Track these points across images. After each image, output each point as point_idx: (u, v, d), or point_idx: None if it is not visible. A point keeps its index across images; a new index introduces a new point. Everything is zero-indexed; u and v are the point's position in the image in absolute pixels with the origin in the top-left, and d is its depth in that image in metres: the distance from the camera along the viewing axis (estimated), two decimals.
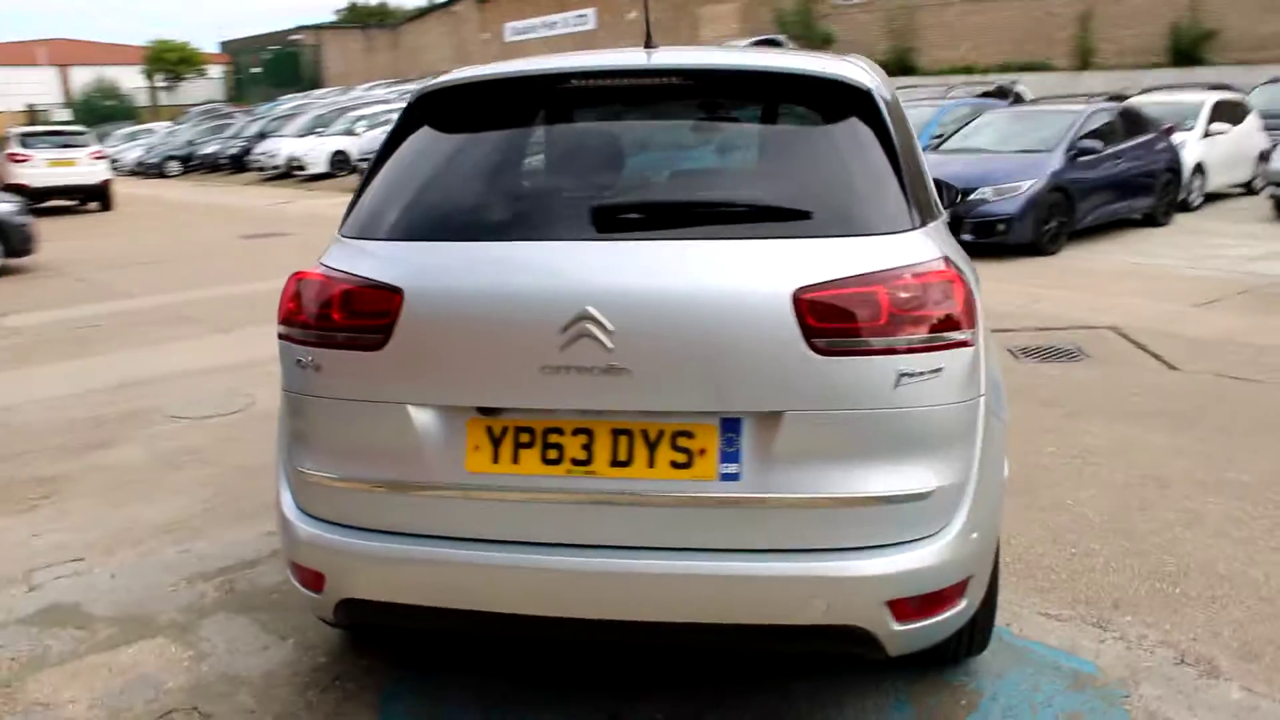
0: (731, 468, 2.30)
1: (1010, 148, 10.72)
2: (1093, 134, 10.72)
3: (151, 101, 52.75)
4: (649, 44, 2.94)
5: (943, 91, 17.53)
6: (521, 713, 2.83)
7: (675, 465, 2.32)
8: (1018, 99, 16.06)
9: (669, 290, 2.29)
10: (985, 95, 16.20)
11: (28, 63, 52.39)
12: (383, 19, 55.00)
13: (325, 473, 2.52)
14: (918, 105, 14.28)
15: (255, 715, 2.87)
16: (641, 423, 2.33)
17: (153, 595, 3.59)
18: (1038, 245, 9.99)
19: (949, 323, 2.32)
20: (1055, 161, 10.24)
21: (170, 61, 52.96)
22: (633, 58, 2.70)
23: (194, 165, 30.08)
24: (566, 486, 2.35)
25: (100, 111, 47.45)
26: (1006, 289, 8.39)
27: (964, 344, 2.35)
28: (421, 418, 2.42)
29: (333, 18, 60.64)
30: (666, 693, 2.86)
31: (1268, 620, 3.16)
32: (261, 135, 28.67)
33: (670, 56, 2.72)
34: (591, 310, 2.27)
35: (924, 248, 2.39)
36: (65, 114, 45.69)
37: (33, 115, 42.65)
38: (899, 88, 3.88)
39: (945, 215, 2.98)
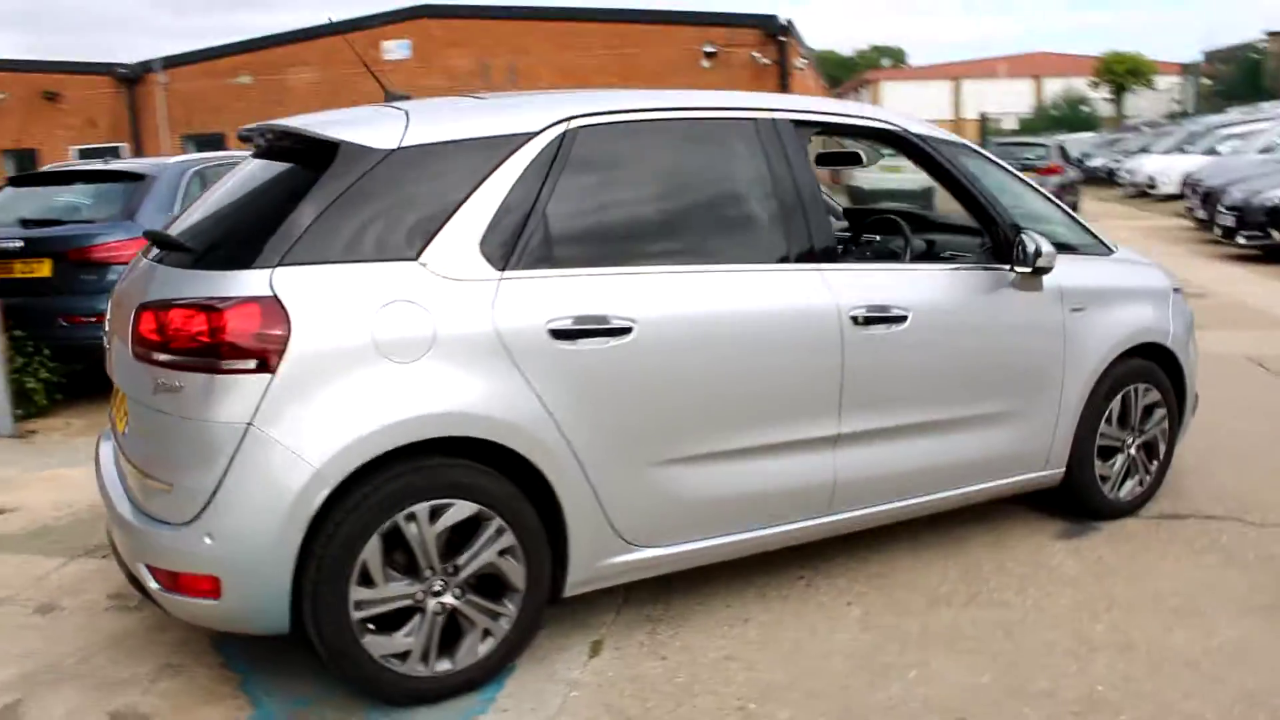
0: (128, 432, 3.04)
1: None
2: None
3: (1115, 112, 53.12)
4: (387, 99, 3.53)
5: None
6: None
7: (126, 423, 3.12)
8: None
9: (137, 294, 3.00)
10: None
11: (989, 75, 58.08)
12: None
13: None
14: None
15: None
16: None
17: None
18: None
19: (191, 348, 2.68)
20: None
21: (1118, 73, 52.70)
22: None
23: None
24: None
25: (1058, 120, 49.71)
26: None
27: (203, 368, 2.67)
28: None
29: None
30: None
31: None
32: (1143, 150, 27.51)
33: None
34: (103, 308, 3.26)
35: (225, 285, 2.72)
36: (1015, 123, 49.12)
37: (983, 123, 46.80)
38: None
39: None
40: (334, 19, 18.71)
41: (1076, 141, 35.82)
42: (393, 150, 2.92)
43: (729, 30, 22.16)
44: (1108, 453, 4.22)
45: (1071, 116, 53.00)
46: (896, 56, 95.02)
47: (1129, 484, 4.31)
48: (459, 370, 2.84)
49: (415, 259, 2.87)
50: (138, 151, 24.67)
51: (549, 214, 3.04)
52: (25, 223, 6.88)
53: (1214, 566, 3.82)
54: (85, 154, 22.34)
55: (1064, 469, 4.10)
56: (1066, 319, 3.96)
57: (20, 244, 6.58)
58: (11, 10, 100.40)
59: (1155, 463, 4.39)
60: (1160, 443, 4.38)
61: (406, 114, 3.04)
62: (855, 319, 3.43)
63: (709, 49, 21.94)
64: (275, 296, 2.70)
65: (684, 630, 3.39)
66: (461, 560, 2.91)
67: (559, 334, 2.96)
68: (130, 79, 26.09)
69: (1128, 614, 3.45)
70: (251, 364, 2.67)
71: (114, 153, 19.89)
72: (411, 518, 2.82)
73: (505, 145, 3.03)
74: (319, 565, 2.73)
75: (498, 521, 2.93)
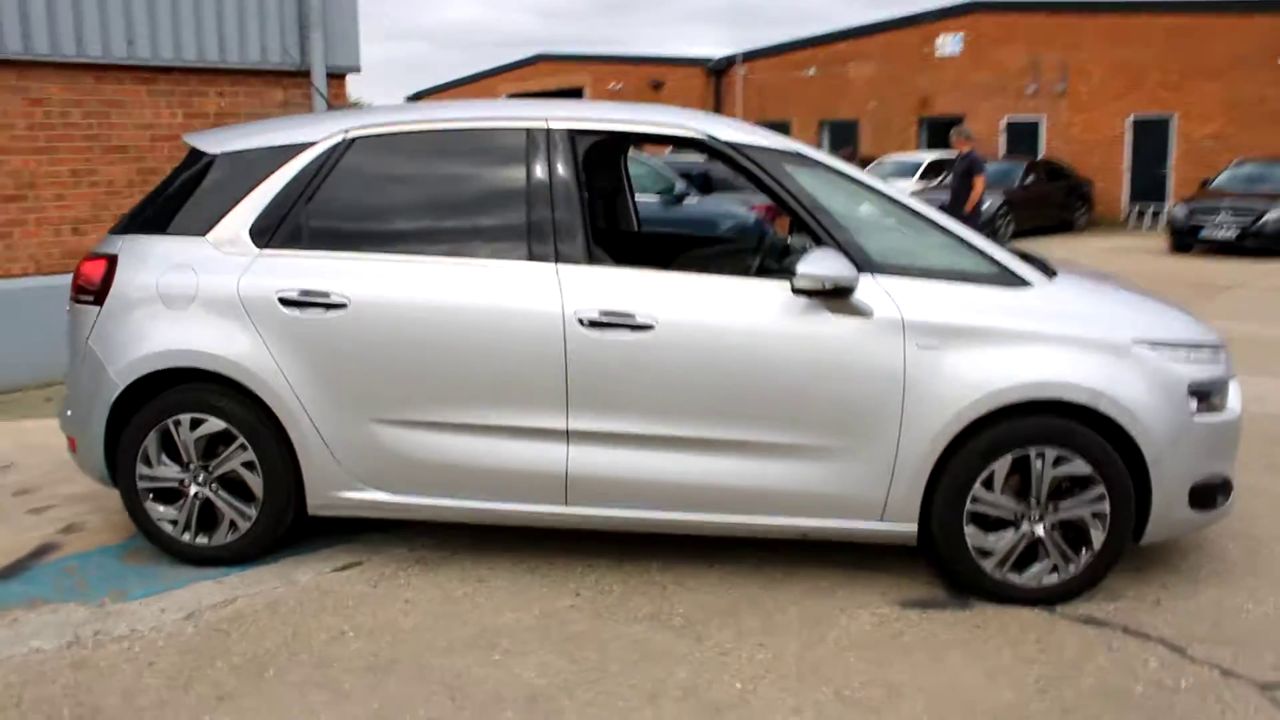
0: None
1: None
2: None
3: None
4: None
5: None
6: None
7: None
8: None
9: None
10: None
11: None
12: None
13: None
14: None
15: None
16: None
17: None
18: None
19: (76, 285, 3.95)
20: None
21: None
22: None
23: None
24: None
25: None
26: None
27: (75, 299, 3.92)
28: None
29: None
30: None
31: None
32: None
33: None
34: None
35: (103, 244, 3.98)
36: None
37: None
38: None
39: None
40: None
41: None
42: (217, 155, 3.88)
43: None
44: (991, 523, 3.58)
45: None
46: None
47: (1035, 568, 3.62)
48: (209, 321, 3.72)
49: (203, 235, 3.79)
50: None
51: (311, 207, 3.77)
52: None
53: (1014, 674, 3.19)
54: None
55: (914, 527, 3.60)
56: (909, 355, 3.49)
57: None
58: (719, 7, 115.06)
59: (1086, 552, 3.57)
60: (1095, 529, 3.55)
61: (245, 130, 3.95)
62: (582, 321, 3.52)
63: None
64: (116, 255, 3.83)
65: (424, 576, 3.85)
66: (213, 464, 3.78)
67: (286, 302, 3.68)
68: (717, 71, 29.45)
69: (713, 682, 3.11)
70: (92, 299, 3.83)
71: None
72: (178, 424, 3.77)
73: (290, 152, 3.82)
74: (119, 444, 3.81)
75: (240, 439, 3.74)
